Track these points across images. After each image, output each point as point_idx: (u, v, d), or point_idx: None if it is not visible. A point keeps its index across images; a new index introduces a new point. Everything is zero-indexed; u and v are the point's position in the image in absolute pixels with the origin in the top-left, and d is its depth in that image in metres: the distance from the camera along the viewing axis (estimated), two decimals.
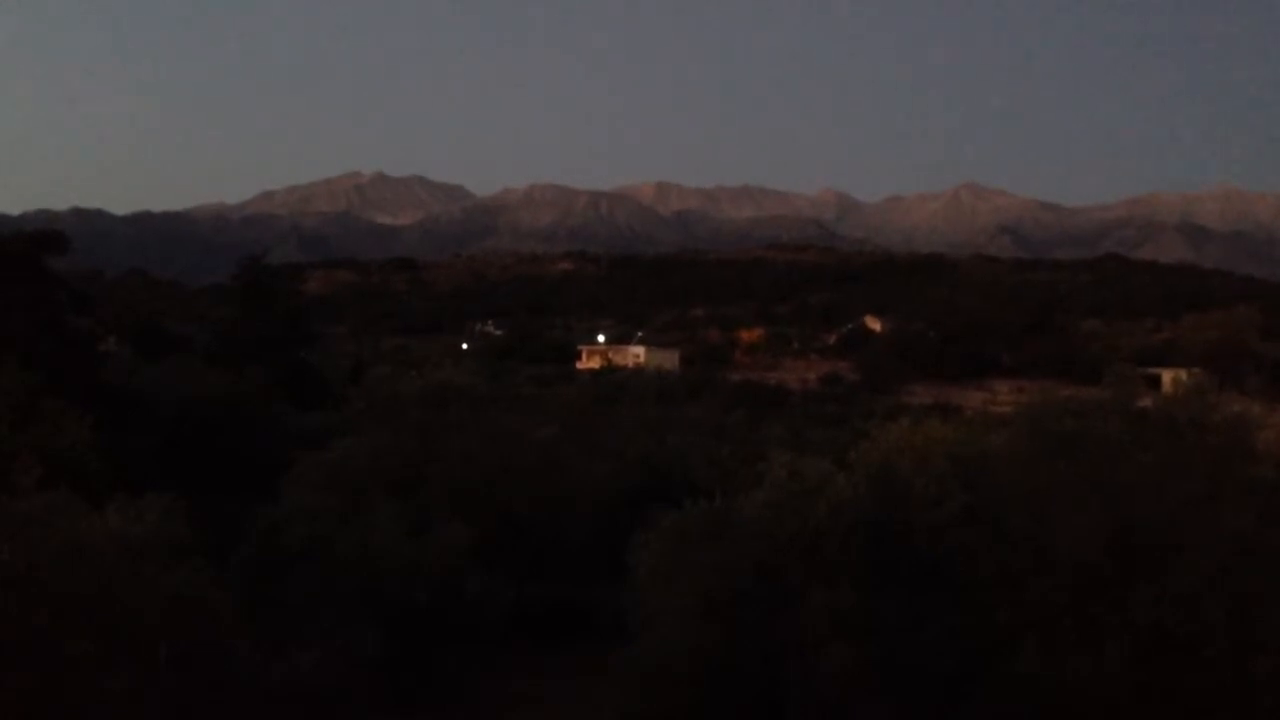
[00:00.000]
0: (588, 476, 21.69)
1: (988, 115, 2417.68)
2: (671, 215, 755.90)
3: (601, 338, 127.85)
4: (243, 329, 41.60)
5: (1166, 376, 54.71)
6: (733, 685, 11.98)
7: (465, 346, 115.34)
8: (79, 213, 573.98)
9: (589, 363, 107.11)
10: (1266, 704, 10.25)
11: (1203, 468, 11.78)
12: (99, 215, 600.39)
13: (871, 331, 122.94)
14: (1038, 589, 11.17)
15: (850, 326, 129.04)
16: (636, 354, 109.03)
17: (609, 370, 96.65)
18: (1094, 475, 11.84)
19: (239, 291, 45.74)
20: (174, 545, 11.89)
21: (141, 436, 21.52)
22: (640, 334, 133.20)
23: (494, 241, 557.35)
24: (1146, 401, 13.63)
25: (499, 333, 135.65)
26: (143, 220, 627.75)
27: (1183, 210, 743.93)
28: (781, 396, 77.82)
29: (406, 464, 20.40)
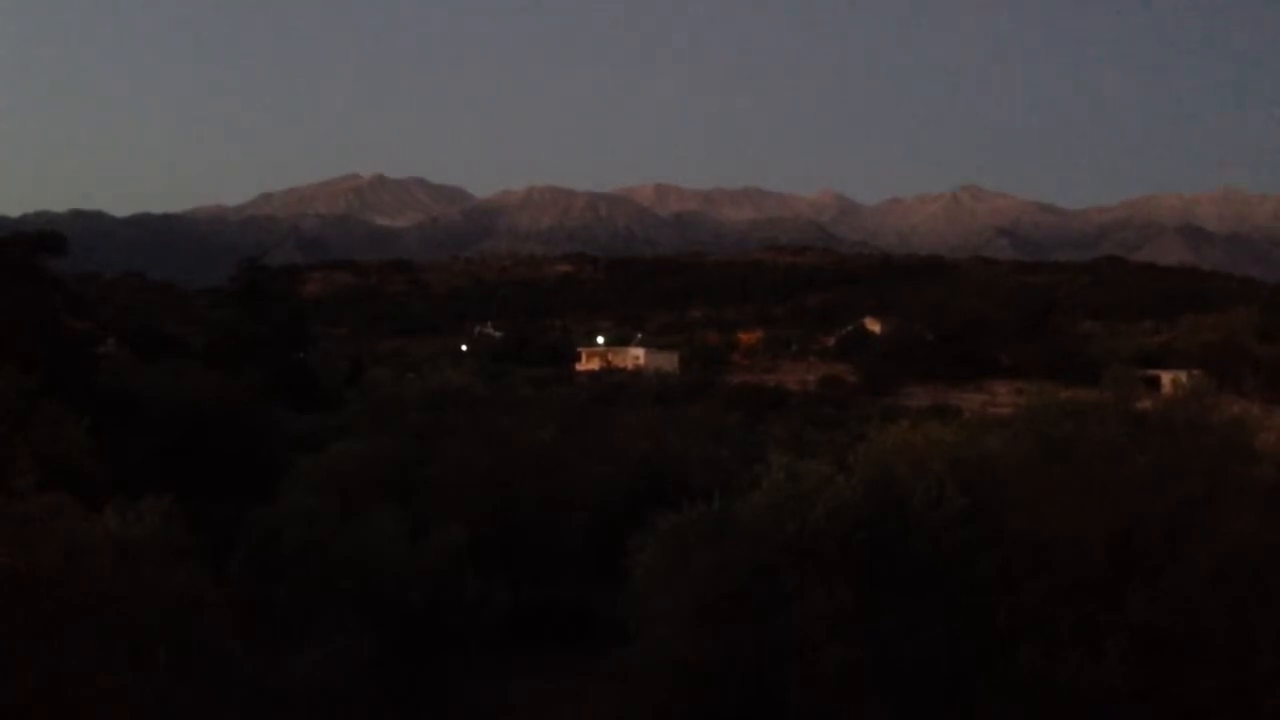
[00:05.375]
0: (586, 478, 21.69)
1: (987, 117, 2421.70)
2: (670, 217, 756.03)
3: (601, 339, 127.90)
4: (241, 331, 41.58)
5: (1166, 378, 54.82)
6: (731, 687, 11.98)
7: (464, 348, 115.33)
8: (78, 214, 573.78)
9: (588, 364, 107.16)
10: (1267, 704, 10.25)
11: (1201, 469, 11.80)
12: (98, 217, 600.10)
13: (870, 333, 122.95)
14: (1036, 590, 11.17)
15: (849, 328, 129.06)
16: (636, 356, 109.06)
17: (608, 372, 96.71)
18: (1092, 476, 11.85)
19: (237, 293, 45.72)
20: (172, 548, 11.91)
21: (139, 439, 21.50)
22: (640, 336, 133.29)
23: (493, 243, 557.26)
24: (1146, 403, 13.65)
25: (498, 334, 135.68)
26: (142, 222, 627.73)
27: (1182, 212, 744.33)
28: (780, 398, 77.91)
29: (404, 466, 20.40)
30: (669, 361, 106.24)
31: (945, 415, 45.20)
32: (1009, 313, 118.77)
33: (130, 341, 39.86)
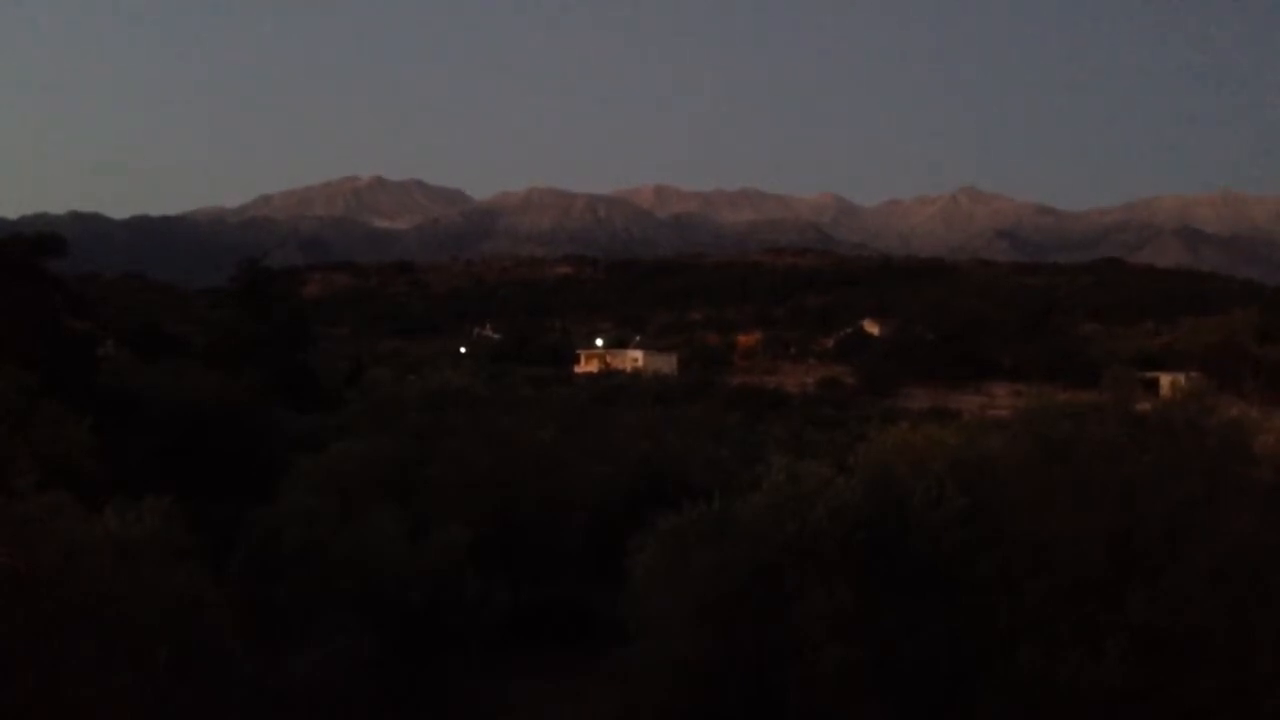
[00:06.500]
0: (586, 478, 21.69)
1: (986, 119, 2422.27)
2: (669, 219, 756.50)
3: (600, 341, 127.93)
4: (241, 331, 41.56)
5: (1164, 380, 54.83)
6: (731, 687, 11.98)
7: (463, 350, 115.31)
8: (77, 216, 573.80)
9: (587, 366, 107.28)
10: (1267, 704, 10.26)
11: (1201, 469, 11.80)
12: (97, 219, 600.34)
13: (869, 335, 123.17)
14: (1036, 590, 11.18)
15: (848, 330, 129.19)
16: (635, 358, 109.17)
17: (607, 374, 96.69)
18: (1092, 476, 11.86)
19: (237, 294, 45.69)
20: (172, 548, 11.90)
21: (139, 439, 21.50)
22: (638, 338, 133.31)
23: (492, 245, 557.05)
24: (1144, 405, 13.65)
25: (497, 336, 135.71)
26: (141, 224, 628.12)
27: (1181, 214, 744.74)
28: (780, 400, 77.90)
29: (404, 466, 20.39)
30: (667, 363, 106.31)
31: (944, 418, 45.25)
32: (1008, 315, 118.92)
33: (130, 342, 39.85)
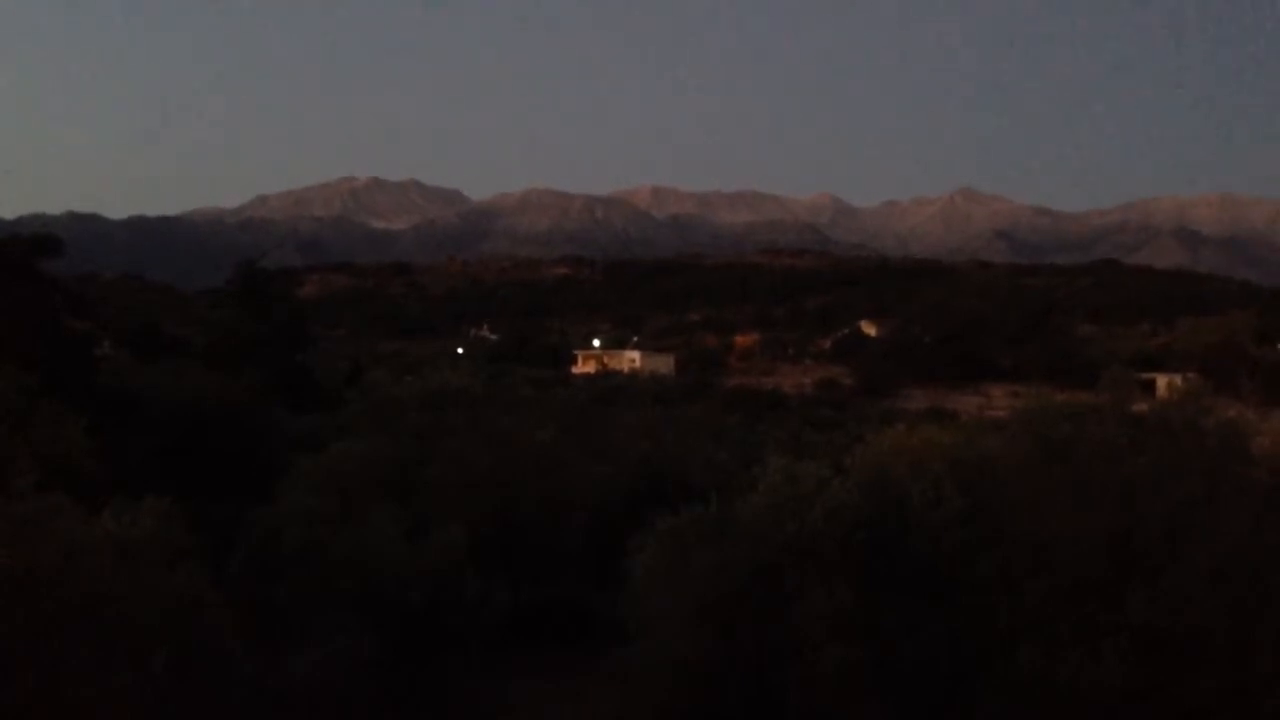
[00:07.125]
0: (586, 478, 21.69)
1: (984, 121, 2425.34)
2: (667, 219, 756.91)
3: (597, 342, 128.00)
4: (241, 331, 41.53)
5: (1161, 381, 54.85)
6: (731, 687, 11.98)
7: (460, 350, 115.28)
8: (75, 217, 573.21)
9: (584, 367, 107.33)
10: (1267, 704, 10.28)
11: (1200, 469, 11.82)
12: (94, 219, 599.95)
13: (867, 336, 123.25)
14: (1036, 590, 11.20)
15: (846, 331, 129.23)
16: (632, 359, 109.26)
17: (604, 375, 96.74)
18: (1092, 477, 11.88)
19: (236, 294, 45.64)
20: (172, 548, 11.90)
21: (139, 439, 21.48)
22: (636, 339, 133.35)
23: (490, 246, 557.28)
24: (1142, 406, 13.67)
25: (494, 337, 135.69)
26: (138, 225, 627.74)
27: (1178, 215, 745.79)
28: (777, 401, 77.89)
29: (404, 466, 20.39)
30: (665, 364, 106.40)
31: (942, 419, 45.32)
32: (1007, 315, 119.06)
33: (129, 342, 39.82)
